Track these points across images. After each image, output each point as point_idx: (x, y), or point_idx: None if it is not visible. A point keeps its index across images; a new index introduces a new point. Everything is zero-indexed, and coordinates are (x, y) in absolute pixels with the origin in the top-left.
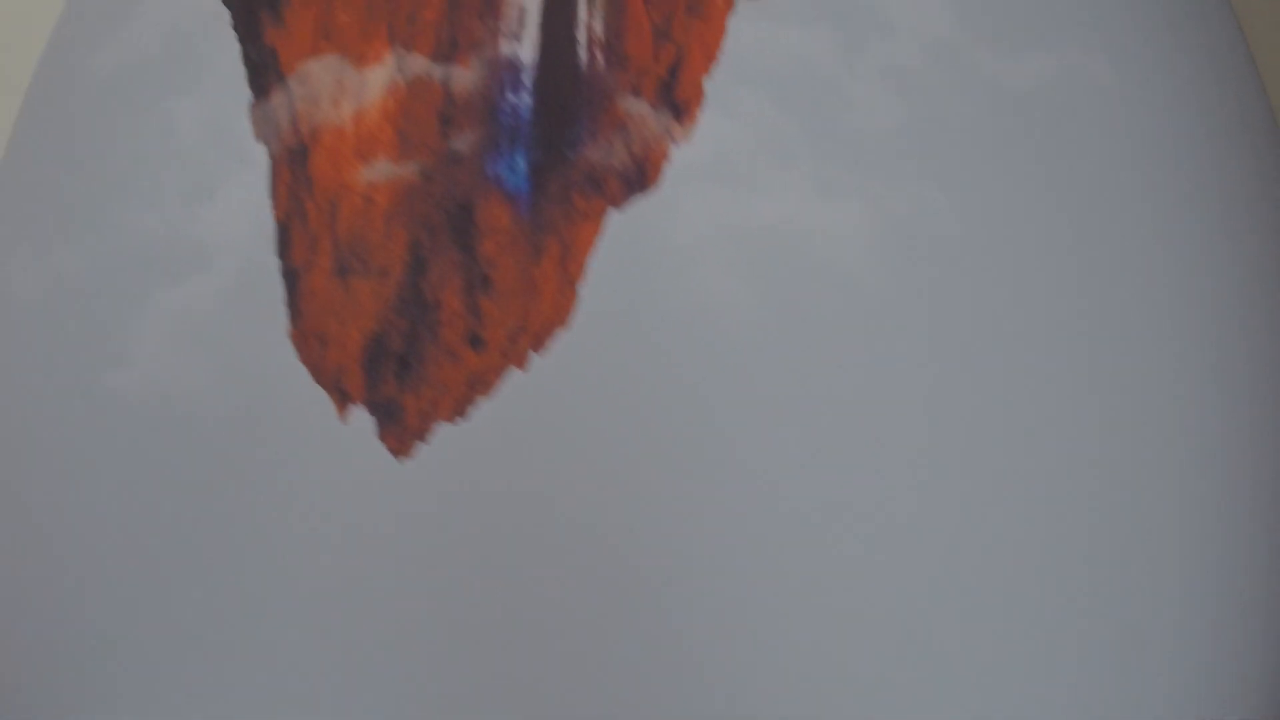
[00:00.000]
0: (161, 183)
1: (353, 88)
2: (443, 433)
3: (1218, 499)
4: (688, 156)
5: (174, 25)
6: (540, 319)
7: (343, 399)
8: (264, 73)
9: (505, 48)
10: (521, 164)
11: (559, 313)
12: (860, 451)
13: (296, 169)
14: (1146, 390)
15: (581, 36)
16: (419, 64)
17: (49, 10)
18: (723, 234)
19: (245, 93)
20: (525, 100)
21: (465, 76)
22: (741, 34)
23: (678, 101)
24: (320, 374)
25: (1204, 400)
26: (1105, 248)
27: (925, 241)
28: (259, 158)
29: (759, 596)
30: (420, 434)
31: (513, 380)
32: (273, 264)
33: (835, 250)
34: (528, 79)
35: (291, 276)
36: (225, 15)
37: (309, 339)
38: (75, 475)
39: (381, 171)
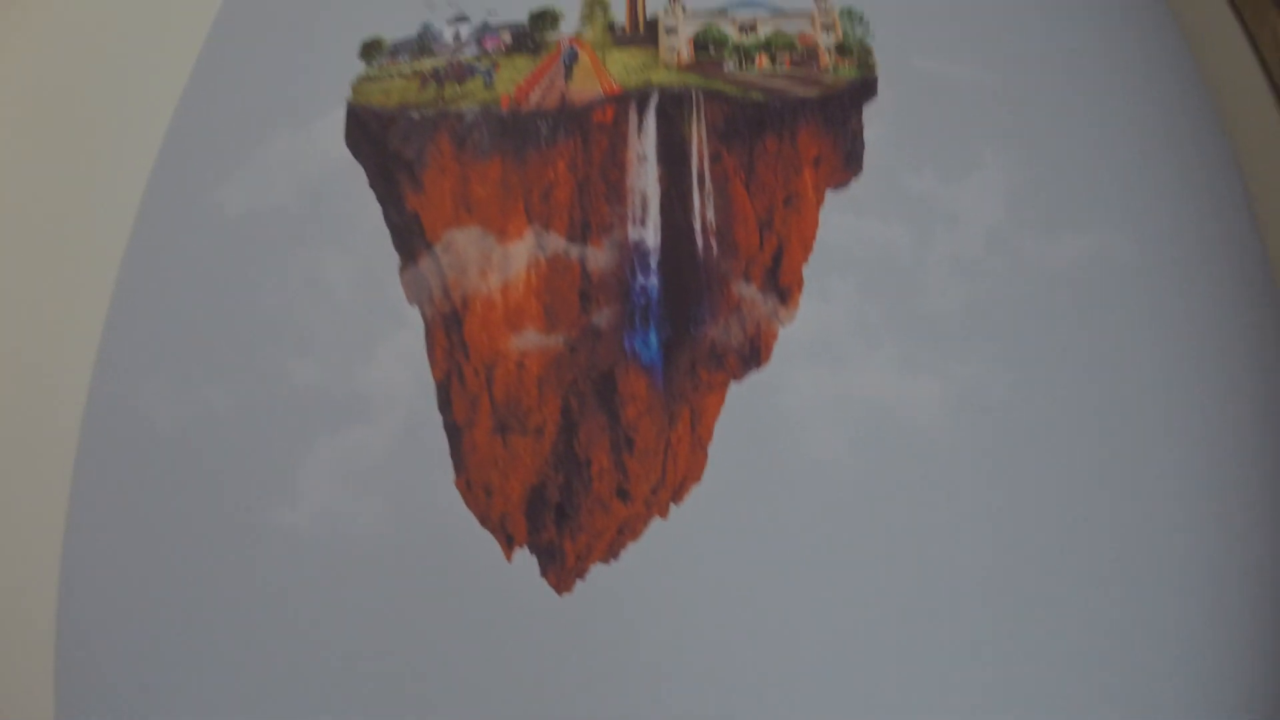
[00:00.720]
0: (315, 333)
1: (497, 261)
2: (597, 571)
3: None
4: (792, 336)
5: (304, 174)
6: (677, 475)
7: (508, 542)
8: (409, 237)
9: (632, 233)
10: (654, 340)
11: (693, 469)
12: (934, 583)
13: (452, 334)
14: (1168, 526)
15: (697, 224)
16: (557, 243)
17: (152, 131)
18: (824, 404)
19: (392, 254)
20: (653, 282)
21: (599, 257)
22: (831, 225)
23: (782, 287)
24: (486, 520)
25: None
26: (1129, 398)
27: (986, 406)
28: (413, 319)
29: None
30: (579, 573)
31: (656, 526)
32: (435, 419)
33: (915, 415)
34: (654, 262)
35: (454, 431)
36: (359, 172)
37: (475, 489)
38: (239, 603)
39: (531, 341)
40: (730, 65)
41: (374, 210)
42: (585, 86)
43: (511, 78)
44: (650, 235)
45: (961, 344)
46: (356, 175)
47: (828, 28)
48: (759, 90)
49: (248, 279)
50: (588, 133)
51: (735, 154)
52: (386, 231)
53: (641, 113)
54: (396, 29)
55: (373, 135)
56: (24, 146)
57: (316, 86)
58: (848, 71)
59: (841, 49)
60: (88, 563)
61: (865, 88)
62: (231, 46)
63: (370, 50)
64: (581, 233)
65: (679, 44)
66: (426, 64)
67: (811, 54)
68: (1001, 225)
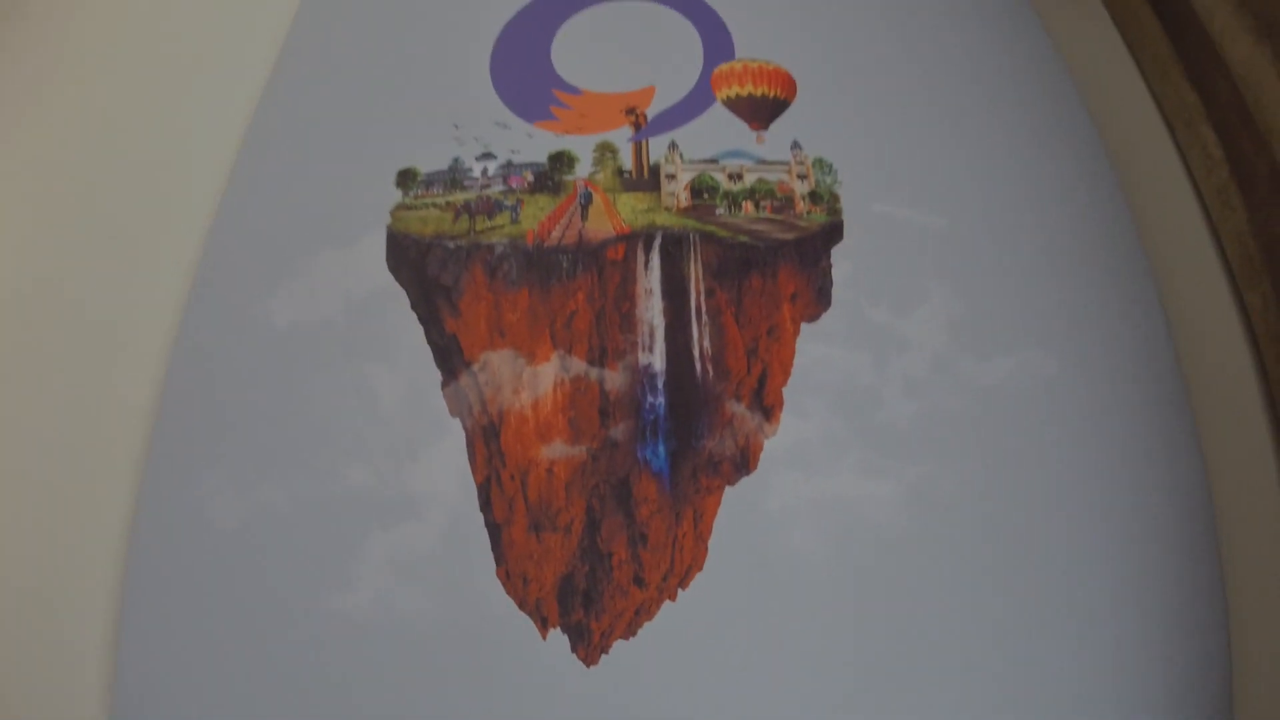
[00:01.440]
0: (366, 440)
1: (528, 380)
2: (619, 647)
3: None
4: (775, 446)
5: (348, 292)
6: (683, 565)
7: (543, 623)
8: (449, 356)
9: (642, 358)
10: (662, 451)
11: (697, 560)
12: (900, 653)
13: (491, 444)
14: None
15: (696, 352)
16: (579, 366)
17: (193, 239)
18: (802, 504)
19: (435, 370)
20: (660, 401)
21: (615, 379)
22: (806, 352)
23: (766, 405)
24: (524, 605)
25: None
26: (1056, 490)
27: (935, 502)
28: (455, 429)
29: None
30: (604, 648)
31: (667, 608)
32: (477, 517)
33: (877, 512)
34: (661, 384)
35: (495, 529)
36: (401, 294)
37: (513, 578)
38: (296, 681)
39: (559, 451)
40: (721, 210)
41: (416, 330)
42: (599, 226)
43: (535, 214)
44: (657, 361)
45: (914, 450)
46: (399, 297)
47: (802, 177)
48: (745, 234)
49: (298, 388)
50: (603, 268)
51: (726, 290)
52: (429, 349)
53: (648, 251)
54: (429, 161)
55: (411, 261)
56: (69, 245)
57: (358, 208)
58: (819, 216)
59: (814, 196)
60: (143, 656)
61: (834, 231)
62: (271, 161)
63: (405, 179)
64: (600, 357)
65: (678, 189)
66: (458, 197)
67: (789, 201)
68: (945, 349)
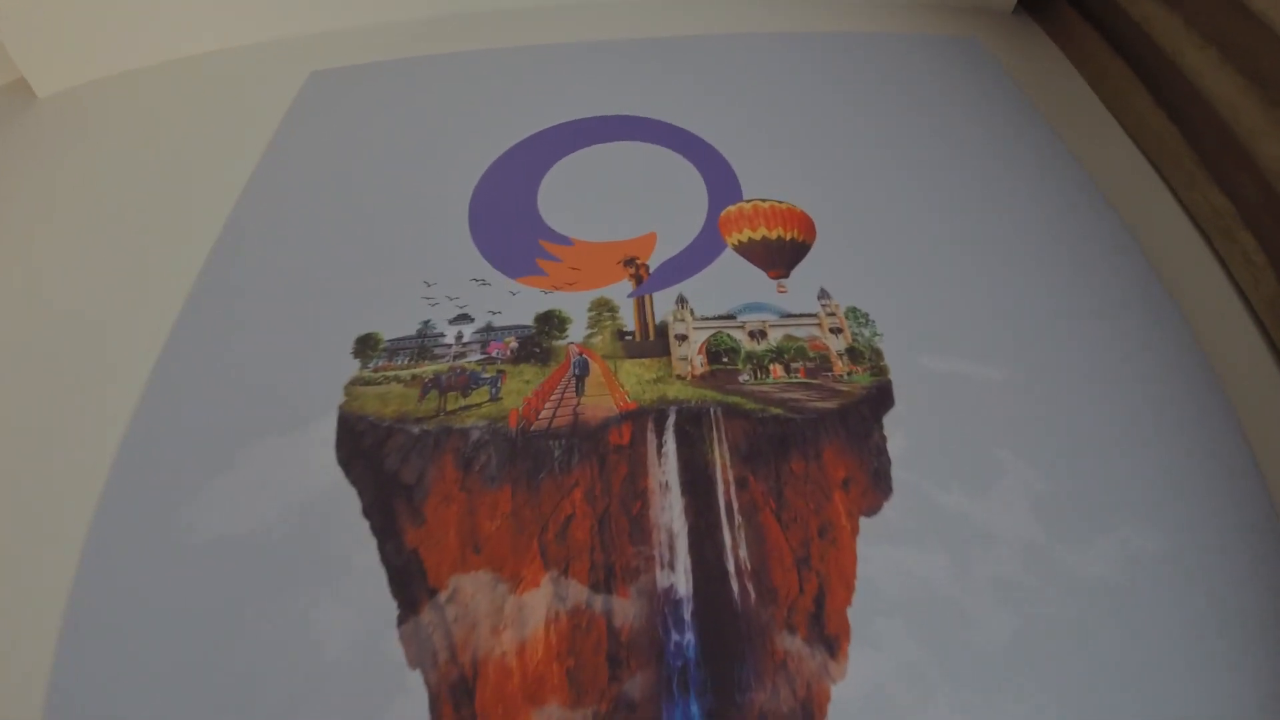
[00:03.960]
0: (300, 702)
1: (511, 613)
2: None
3: None
4: (845, 695)
5: (286, 495)
6: None
7: None
8: (409, 582)
9: (661, 578)
10: (696, 712)
11: None
12: None
13: (462, 707)
14: None
15: (730, 565)
16: (578, 592)
17: (108, 438)
18: None
19: (390, 602)
20: (689, 639)
21: (626, 609)
22: (869, 558)
23: (829, 636)
24: None
25: None
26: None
27: None
28: (415, 684)
29: None
30: None
31: None
32: None
33: None
34: (688, 613)
35: None
36: (351, 497)
37: None
38: None
39: (554, 717)
40: (746, 377)
41: (369, 545)
42: (598, 401)
43: (519, 389)
44: (681, 581)
45: (1013, 682)
46: (347, 501)
47: (836, 330)
48: (778, 404)
49: (220, 621)
50: (605, 456)
51: (762, 479)
52: (383, 571)
53: (660, 433)
54: (395, 324)
55: (367, 450)
56: None
57: (305, 385)
58: (862, 377)
59: (853, 353)
60: None
61: (882, 394)
62: (208, 327)
63: (365, 347)
64: (606, 579)
65: (691, 353)
66: (427, 369)
67: (825, 360)
68: (1034, 536)
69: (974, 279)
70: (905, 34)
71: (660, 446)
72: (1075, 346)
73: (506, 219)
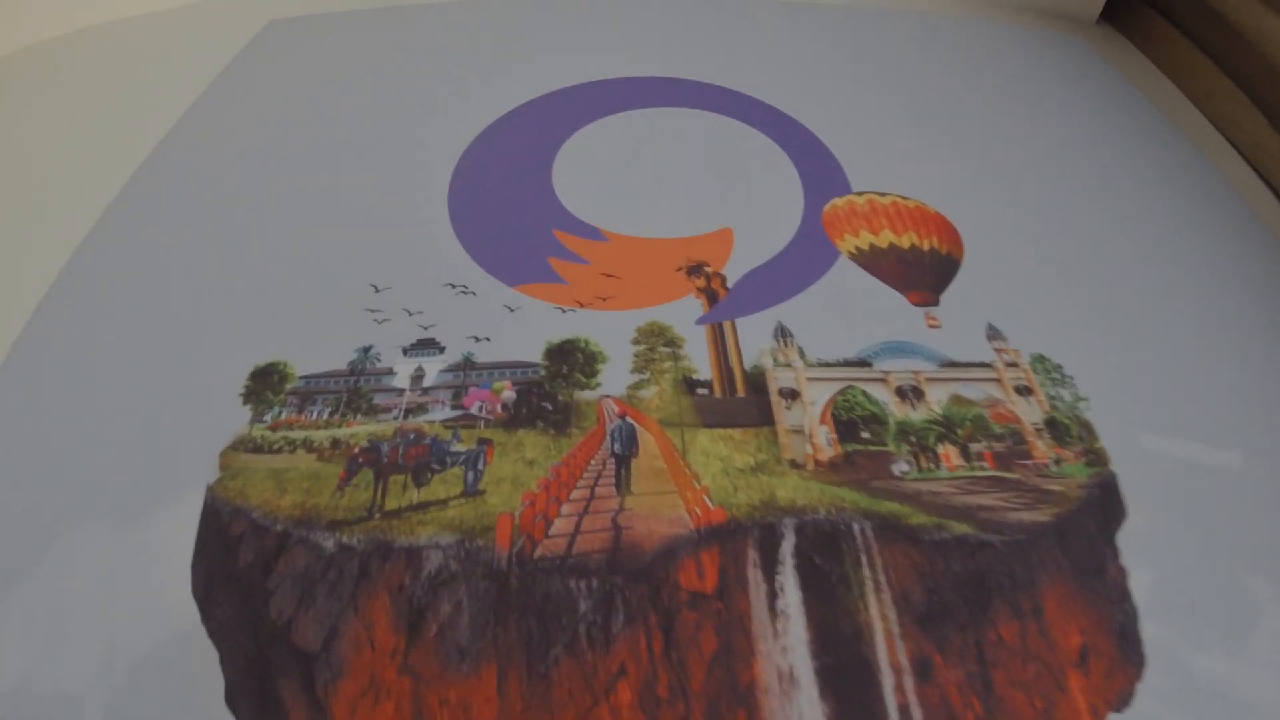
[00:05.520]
0: None
1: None
2: None
3: None
4: None
5: (98, 659)
6: None
7: None
8: None
9: None
10: None
11: None
12: None
13: None
14: None
15: None
16: None
17: None
18: None
19: None
20: None
21: None
22: None
23: None
24: None
25: None
26: None
27: None
28: None
29: None
30: None
31: None
32: None
33: None
34: None
35: None
36: (210, 668)
37: None
38: None
39: None
40: (906, 465)
41: None
42: (654, 504)
43: (514, 475)
44: None
45: None
46: (202, 670)
47: (1023, 390)
48: (961, 515)
49: None
50: (672, 614)
51: (953, 660)
52: None
53: (771, 571)
54: (313, 350)
55: (242, 576)
56: None
57: (154, 444)
58: (1076, 469)
59: (1054, 426)
60: None
61: (1107, 497)
62: (32, 358)
63: (264, 384)
64: None
65: (809, 422)
66: (359, 430)
67: (1018, 439)
68: None
69: (1182, 324)
70: (1009, 25)
71: (774, 598)
72: None
73: (505, 201)
